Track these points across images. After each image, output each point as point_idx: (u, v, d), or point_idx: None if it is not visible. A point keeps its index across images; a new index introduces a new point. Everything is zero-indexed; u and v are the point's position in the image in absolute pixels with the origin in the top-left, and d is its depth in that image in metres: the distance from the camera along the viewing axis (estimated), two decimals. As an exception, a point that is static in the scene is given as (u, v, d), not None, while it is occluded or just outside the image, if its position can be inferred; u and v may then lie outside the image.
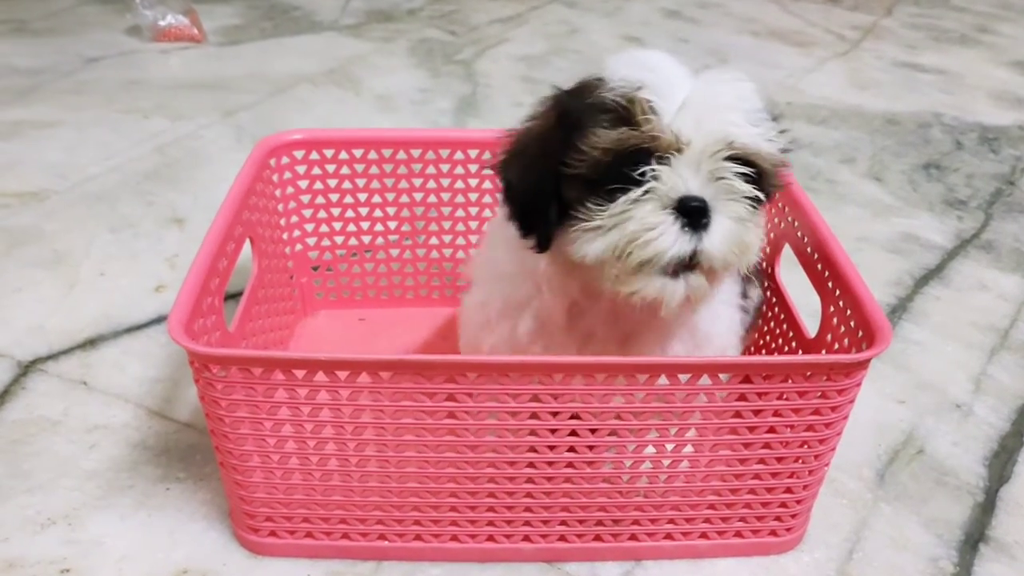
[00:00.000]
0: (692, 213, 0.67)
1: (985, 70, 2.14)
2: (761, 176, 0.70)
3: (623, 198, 0.67)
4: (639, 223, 0.67)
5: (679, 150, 0.67)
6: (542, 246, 0.73)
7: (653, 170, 0.67)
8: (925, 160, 1.68)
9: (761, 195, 0.70)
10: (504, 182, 0.76)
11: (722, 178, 0.68)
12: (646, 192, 0.67)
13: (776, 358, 0.83)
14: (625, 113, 0.66)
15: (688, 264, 0.69)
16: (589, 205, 0.68)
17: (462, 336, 0.90)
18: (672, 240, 0.67)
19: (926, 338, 1.18)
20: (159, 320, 1.17)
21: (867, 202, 1.52)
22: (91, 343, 1.13)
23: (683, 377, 0.74)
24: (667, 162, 0.67)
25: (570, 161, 0.68)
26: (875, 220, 1.47)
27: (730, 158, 0.68)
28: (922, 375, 1.12)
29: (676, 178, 0.67)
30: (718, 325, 0.83)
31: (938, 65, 2.16)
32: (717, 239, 0.68)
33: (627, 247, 0.67)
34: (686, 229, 0.67)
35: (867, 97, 1.96)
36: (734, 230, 0.69)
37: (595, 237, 0.69)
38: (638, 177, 0.67)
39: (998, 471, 0.99)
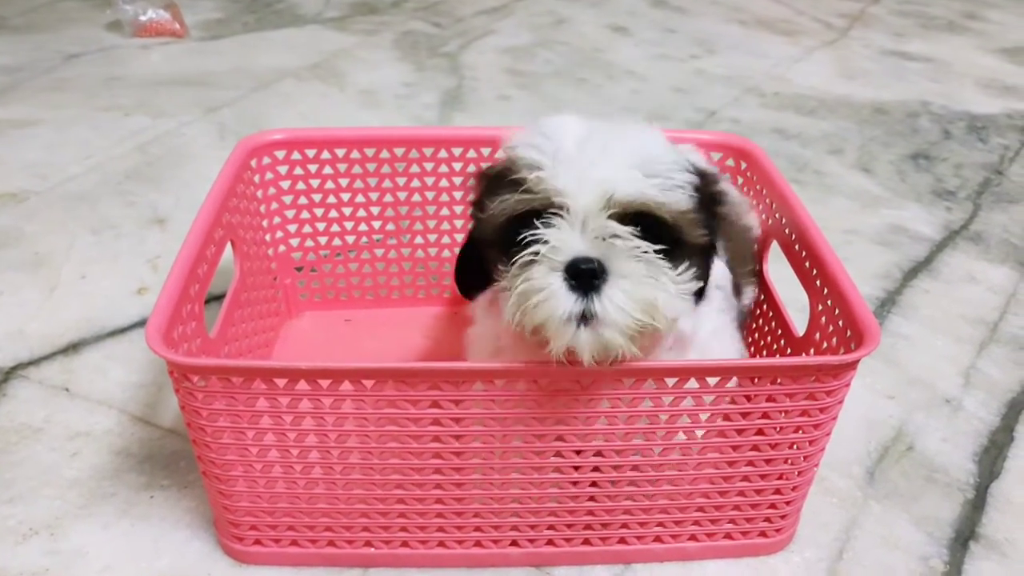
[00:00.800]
0: (580, 275, 0.65)
1: (973, 58, 2.13)
2: (664, 227, 0.68)
3: (516, 261, 0.67)
4: (528, 285, 0.66)
5: (564, 210, 0.66)
6: (463, 292, 0.81)
7: (536, 233, 0.66)
8: (913, 150, 1.67)
9: (664, 247, 0.68)
10: (457, 264, 0.82)
11: (615, 236, 0.66)
12: (535, 255, 0.66)
13: (763, 360, 0.82)
14: (514, 178, 0.67)
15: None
16: (499, 268, 0.70)
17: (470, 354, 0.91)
18: (562, 303, 0.65)
19: (915, 332, 1.18)
20: (142, 323, 1.15)
21: (855, 194, 1.52)
22: (73, 348, 1.11)
23: (670, 381, 0.73)
24: (554, 224, 0.66)
25: (480, 232, 0.72)
26: (864, 212, 1.46)
27: (622, 211, 0.66)
28: (911, 370, 1.11)
29: (563, 239, 0.66)
30: (715, 339, 0.82)
31: (926, 53, 2.15)
32: (611, 301, 0.65)
33: (523, 309, 0.67)
34: (577, 291, 0.65)
35: (855, 86, 1.95)
36: (633, 291, 0.66)
37: (504, 297, 0.69)
38: (530, 239, 0.66)
39: (988, 467, 0.98)
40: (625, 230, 0.66)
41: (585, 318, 0.66)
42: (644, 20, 2.32)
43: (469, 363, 0.74)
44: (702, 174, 0.73)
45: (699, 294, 0.73)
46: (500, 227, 0.69)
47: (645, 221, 0.67)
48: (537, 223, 0.66)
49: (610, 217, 0.66)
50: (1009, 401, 1.08)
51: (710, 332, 0.82)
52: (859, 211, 1.46)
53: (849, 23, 2.33)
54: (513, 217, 0.68)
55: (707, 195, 0.72)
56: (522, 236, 0.66)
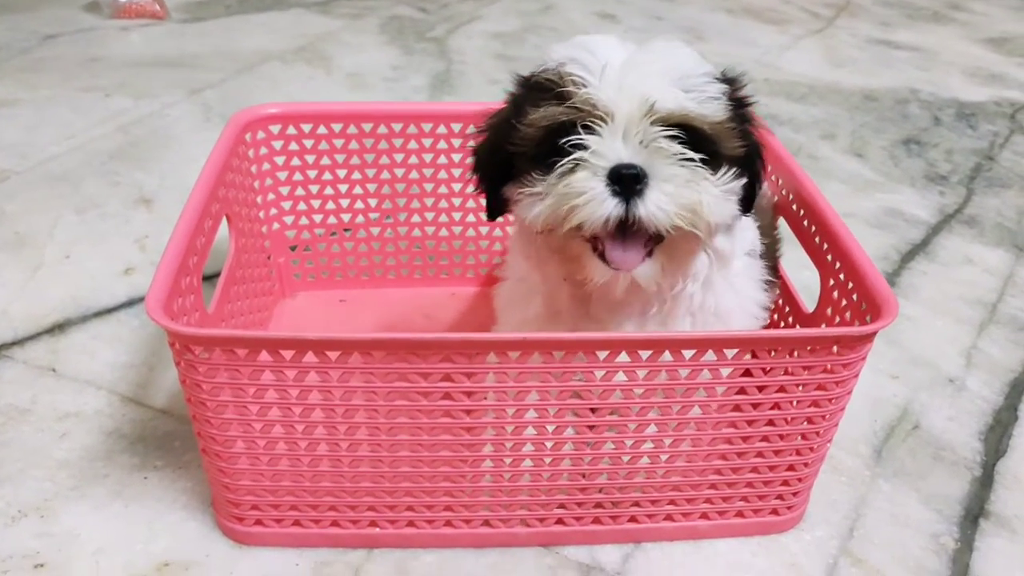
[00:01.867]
0: (624, 180, 0.66)
1: (959, 47, 2.14)
2: (703, 138, 0.69)
3: (557, 169, 0.68)
4: (569, 188, 0.67)
5: (606, 119, 0.67)
6: (489, 215, 0.80)
7: (581, 140, 0.67)
8: (905, 136, 1.67)
9: (704, 156, 0.69)
10: (475, 158, 0.80)
11: (655, 143, 0.67)
12: (577, 162, 0.67)
13: (781, 332, 0.81)
14: (555, 89, 0.69)
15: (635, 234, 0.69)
16: (532, 176, 0.70)
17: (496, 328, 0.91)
18: (603, 205, 0.67)
19: (916, 313, 1.17)
20: (129, 303, 1.12)
21: (849, 178, 1.51)
22: (59, 328, 1.08)
23: (687, 353, 0.71)
24: (597, 132, 0.67)
25: (514, 139, 0.71)
26: (858, 196, 1.46)
27: (663, 123, 0.68)
28: (914, 350, 1.11)
29: (605, 147, 0.67)
30: (736, 302, 0.81)
31: (912, 42, 2.15)
32: (653, 204, 0.67)
33: (561, 212, 0.68)
34: (619, 195, 0.67)
35: (844, 74, 1.95)
36: (675, 193, 0.67)
37: (535, 203, 0.70)
38: (569, 148, 0.68)
39: (994, 445, 0.98)
40: (666, 138, 0.67)
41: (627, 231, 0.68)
42: (632, 7, 2.30)
43: (482, 334, 0.71)
44: (730, 80, 0.74)
45: (745, 204, 0.75)
46: (540, 137, 0.69)
47: (685, 132, 0.68)
48: (580, 131, 0.67)
49: (652, 123, 0.67)
50: (1011, 381, 1.07)
51: (741, 269, 0.81)
52: (854, 195, 1.46)
53: (835, 12, 2.34)
54: (554, 127, 0.68)
55: (737, 100, 0.74)
56: (563, 143, 0.67)
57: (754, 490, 0.83)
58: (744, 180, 0.74)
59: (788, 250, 0.95)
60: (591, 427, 0.76)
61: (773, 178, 0.99)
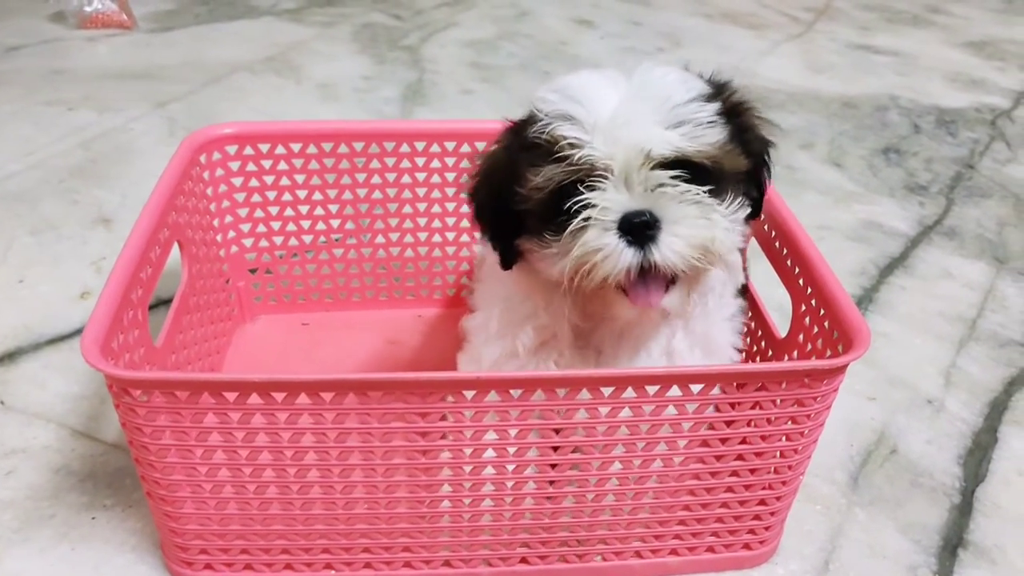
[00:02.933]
0: (635, 229, 0.66)
1: (939, 51, 2.12)
2: (705, 170, 0.69)
3: (569, 228, 0.68)
4: (584, 248, 0.67)
5: (607, 174, 0.67)
6: (505, 264, 0.76)
7: (587, 199, 0.67)
8: (884, 144, 1.65)
9: (710, 187, 0.69)
10: (474, 205, 0.78)
11: (659, 187, 0.67)
12: (586, 220, 0.67)
13: (749, 366, 0.78)
14: (551, 152, 0.68)
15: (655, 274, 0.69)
16: (544, 236, 0.70)
17: (463, 356, 0.89)
18: (621, 257, 0.67)
19: (894, 330, 1.15)
20: (83, 330, 1.08)
21: (828, 188, 1.49)
22: (9, 357, 1.04)
23: (651, 389, 0.68)
24: (600, 186, 0.67)
25: (518, 200, 0.70)
26: (836, 207, 1.43)
27: (663, 166, 0.67)
28: (891, 370, 1.08)
29: (611, 200, 0.67)
30: (724, 335, 0.80)
31: (892, 47, 2.13)
32: (668, 248, 0.67)
33: (583, 270, 0.68)
34: (633, 244, 0.67)
35: (823, 80, 1.92)
36: (688, 234, 0.67)
37: (554, 260, 0.70)
38: (577, 208, 0.67)
39: (973, 470, 0.95)
40: (669, 177, 0.67)
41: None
42: (609, 13, 2.27)
43: (436, 374, 0.68)
44: (719, 88, 0.73)
45: (755, 208, 0.76)
46: (545, 199, 0.69)
47: (686, 168, 0.68)
48: (582, 189, 0.67)
49: (652, 169, 0.67)
50: (991, 401, 1.05)
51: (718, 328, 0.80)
52: (832, 206, 1.43)
53: (815, 16, 2.31)
54: (557, 190, 0.68)
55: (731, 109, 0.72)
56: (569, 204, 0.67)
57: (725, 524, 0.80)
58: (752, 188, 0.75)
59: (762, 266, 0.92)
60: (553, 465, 0.72)
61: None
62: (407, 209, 1.07)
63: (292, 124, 1.04)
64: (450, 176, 1.05)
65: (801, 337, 0.83)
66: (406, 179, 1.05)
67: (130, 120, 1.59)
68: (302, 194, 1.05)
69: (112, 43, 1.94)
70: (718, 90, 0.73)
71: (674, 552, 0.81)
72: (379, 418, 0.68)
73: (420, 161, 1.04)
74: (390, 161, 1.04)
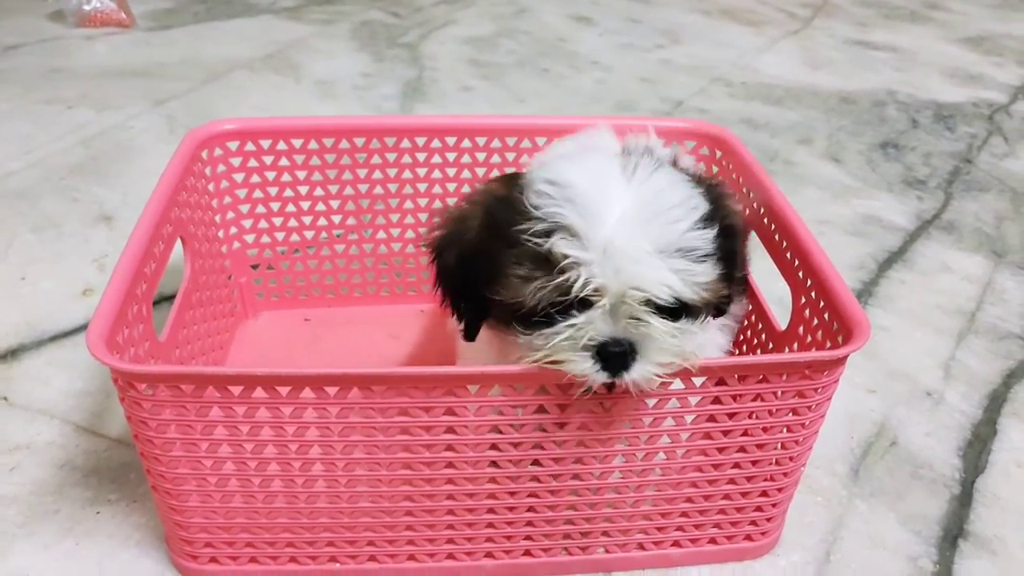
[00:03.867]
0: (611, 357, 0.65)
1: (937, 47, 2.12)
2: (690, 305, 0.67)
3: (545, 334, 0.65)
4: (556, 355, 0.65)
5: (596, 299, 0.64)
6: (468, 337, 0.74)
7: (571, 317, 0.65)
8: (882, 139, 1.65)
9: (692, 318, 0.68)
10: (437, 266, 0.75)
11: (645, 320, 0.65)
12: (566, 333, 0.65)
13: (750, 359, 0.78)
14: (543, 260, 0.64)
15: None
16: (515, 326, 0.67)
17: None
18: (592, 376, 0.65)
19: (893, 324, 1.15)
20: (87, 327, 1.07)
21: (826, 183, 1.49)
22: (12, 354, 1.04)
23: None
24: (585, 308, 0.65)
25: (494, 288, 0.67)
26: (835, 202, 1.44)
27: (654, 304, 0.65)
28: (891, 362, 1.08)
29: (595, 324, 0.64)
30: (713, 337, 0.81)
31: (890, 42, 2.14)
32: (641, 372, 0.65)
33: (552, 363, 0.66)
34: (606, 369, 0.65)
35: (821, 76, 1.93)
36: (664, 359, 0.66)
37: (520, 349, 0.67)
38: (557, 318, 0.65)
39: (973, 461, 0.96)
40: (656, 316, 0.65)
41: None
42: (607, 10, 2.28)
43: (437, 368, 0.68)
44: (715, 201, 0.70)
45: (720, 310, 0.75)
46: (528, 306, 0.65)
47: (675, 302, 0.66)
48: (568, 307, 0.65)
49: (641, 304, 0.64)
50: (990, 393, 1.05)
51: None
52: (831, 201, 1.44)
53: (812, 13, 2.32)
54: (543, 303, 0.65)
55: (725, 230, 0.69)
56: (552, 318, 0.65)
57: (727, 516, 0.80)
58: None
59: (762, 259, 0.92)
60: (556, 459, 0.73)
61: (744, 190, 0.97)
62: (408, 204, 1.08)
63: (293, 120, 1.04)
64: (451, 171, 1.06)
65: (801, 329, 0.84)
66: (407, 174, 1.06)
67: (129, 118, 1.60)
68: (303, 190, 1.05)
69: (111, 41, 1.94)
70: (714, 205, 0.69)
71: (676, 544, 0.82)
72: (383, 412, 0.68)
73: (421, 156, 1.05)
74: (391, 156, 1.05)
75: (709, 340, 0.79)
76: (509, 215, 0.66)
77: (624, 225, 0.63)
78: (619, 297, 0.64)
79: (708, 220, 0.67)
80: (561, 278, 0.63)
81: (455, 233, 0.73)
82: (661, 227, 0.64)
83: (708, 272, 0.66)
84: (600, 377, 0.65)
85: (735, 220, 0.73)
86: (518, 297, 0.65)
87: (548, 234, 0.63)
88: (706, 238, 0.66)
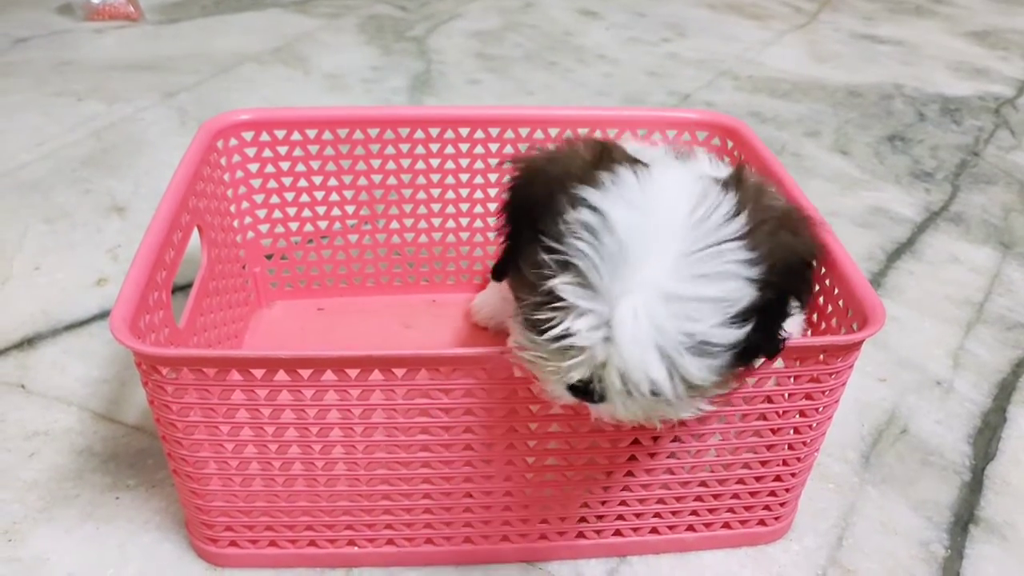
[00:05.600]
0: (580, 391, 0.61)
1: (943, 41, 2.13)
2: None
3: (531, 341, 0.61)
4: (535, 371, 0.63)
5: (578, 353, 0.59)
6: (495, 274, 0.70)
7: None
8: (889, 132, 1.66)
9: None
10: (506, 197, 0.69)
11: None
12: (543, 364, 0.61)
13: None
14: (548, 281, 0.58)
15: None
16: (523, 299, 0.62)
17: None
18: (563, 397, 0.63)
19: (902, 314, 1.16)
20: (102, 316, 1.09)
21: (834, 176, 1.50)
22: (28, 342, 1.05)
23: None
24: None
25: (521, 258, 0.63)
26: (843, 194, 1.44)
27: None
28: (901, 352, 1.09)
29: (570, 368, 0.59)
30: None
31: (896, 36, 2.14)
32: (608, 412, 0.62)
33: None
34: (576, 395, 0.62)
35: (827, 69, 1.94)
36: (630, 416, 0.62)
37: (515, 335, 0.64)
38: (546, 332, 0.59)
39: (983, 448, 0.97)
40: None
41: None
42: (613, 4, 2.28)
43: (458, 350, 0.69)
44: (777, 258, 0.60)
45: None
46: (526, 311, 0.61)
47: None
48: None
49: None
50: (999, 382, 1.06)
51: None
52: (839, 193, 1.45)
53: (818, 7, 2.32)
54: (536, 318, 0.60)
55: (778, 298, 0.62)
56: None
57: (741, 501, 0.81)
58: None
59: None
60: (571, 445, 0.74)
61: (757, 180, 0.97)
62: (421, 195, 1.08)
63: (308, 111, 1.05)
64: (464, 162, 1.06)
65: (815, 316, 0.85)
66: (420, 165, 1.06)
67: (139, 110, 1.60)
68: (317, 180, 1.06)
69: (120, 35, 1.95)
70: (774, 265, 0.60)
71: (690, 528, 0.83)
72: (403, 395, 0.69)
73: (434, 147, 1.05)
74: (405, 147, 1.05)
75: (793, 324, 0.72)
76: (548, 212, 0.61)
77: (645, 299, 0.56)
78: (602, 365, 0.58)
79: (745, 315, 0.58)
80: (556, 317, 0.58)
81: (525, 184, 0.67)
82: (686, 317, 0.56)
83: (721, 369, 0.59)
84: (568, 400, 0.62)
85: (806, 256, 0.65)
86: (519, 293, 0.63)
87: (563, 265, 0.58)
88: (737, 333, 0.58)
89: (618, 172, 0.60)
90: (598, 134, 1.04)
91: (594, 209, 0.58)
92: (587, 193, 0.59)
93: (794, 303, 0.65)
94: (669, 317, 0.56)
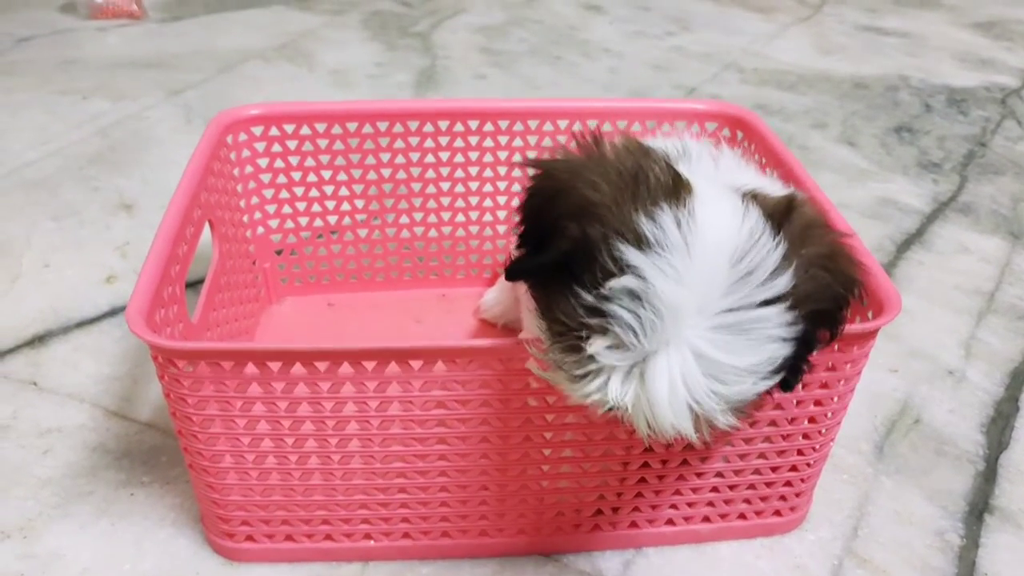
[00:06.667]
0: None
1: (948, 32, 2.12)
2: None
3: (555, 357, 0.60)
4: (562, 385, 0.61)
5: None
6: (509, 274, 0.65)
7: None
8: (896, 123, 1.66)
9: None
10: (524, 200, 0.66)
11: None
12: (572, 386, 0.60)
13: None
14: (579, 331, 0.57)
15: None
16: (551, 326, 0.60)
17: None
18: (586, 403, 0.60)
19: (913, 304, 1.16)
20: (112, 313, 1.09)
21: (842, 167, 1.49)
22: (39, 340, 1.05)
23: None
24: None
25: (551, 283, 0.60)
26: (851, 185, 1.44)
27: None
28: (912, 342, 1.09)
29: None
30: None
31: (901, 28, 2.14)
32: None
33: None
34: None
35: (833, 62, 1.93)
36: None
37: (539, 329, 0.62)
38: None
39: (996, 438, 0.97)
40: None
41: None
42: (617, -2, 2.28)
43: (474, 341, 0.69)
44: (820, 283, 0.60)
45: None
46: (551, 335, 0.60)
47: None
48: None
49: None
50: (1011, 371, 1.06)
51: None
52: (847, 185, 1.44)
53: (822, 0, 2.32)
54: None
55: (814, 320, 0.60)
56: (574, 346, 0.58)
57: (756, 491, 0.81)
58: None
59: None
60: (587, 436, 0.73)
61: (767, 171, 0.97)
62: (430, 189, 1.08)
63: (317, 105, 1.05)
64: (473, 155, 1.06)
65: (829, 306, 0.84)
66: (429, 158, 1.06)
67: (145, 108, 1.60)
68: (327, 175, 1.06)
69: (123, 33, 1.95)
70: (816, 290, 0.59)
71: (706, 519, 0.83)
72: (420, 387, 0.69)
73: (443, 140, 1.05)
74: (414, 141, 1.05)
75: None
76: (587, 262, 0.57)
77: (680, 363, 0.55)
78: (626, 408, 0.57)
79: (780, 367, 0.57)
80: (590, 371, 0.57)
81: (550, 195, 0.63)
82: (720, 382, 0.56)
83: (745, 409, 0.59)
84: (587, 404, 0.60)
85: (844, 291, 0.63)
86: (545, 316, 0.60)
87: (603, 329, 0.55)
88: (768, 385, 0.58)
89: (661, 223, 0.56)
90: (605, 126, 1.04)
91: (638, 276, 0.54)
92: (630, 255, 0.55)
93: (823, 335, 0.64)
94: (704, 380, 0.55)
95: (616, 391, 0.56)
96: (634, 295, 0.54)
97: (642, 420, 0.57)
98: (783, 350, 0.57)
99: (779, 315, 0.56)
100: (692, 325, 0.54)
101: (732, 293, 0.55)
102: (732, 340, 0.55)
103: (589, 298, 0.56)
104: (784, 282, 0.56)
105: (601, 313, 0.55)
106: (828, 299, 0.61)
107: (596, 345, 0.55)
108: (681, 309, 0.54)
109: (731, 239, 0.56)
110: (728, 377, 0.55)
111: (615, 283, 0.55)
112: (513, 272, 0.65)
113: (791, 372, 0.60)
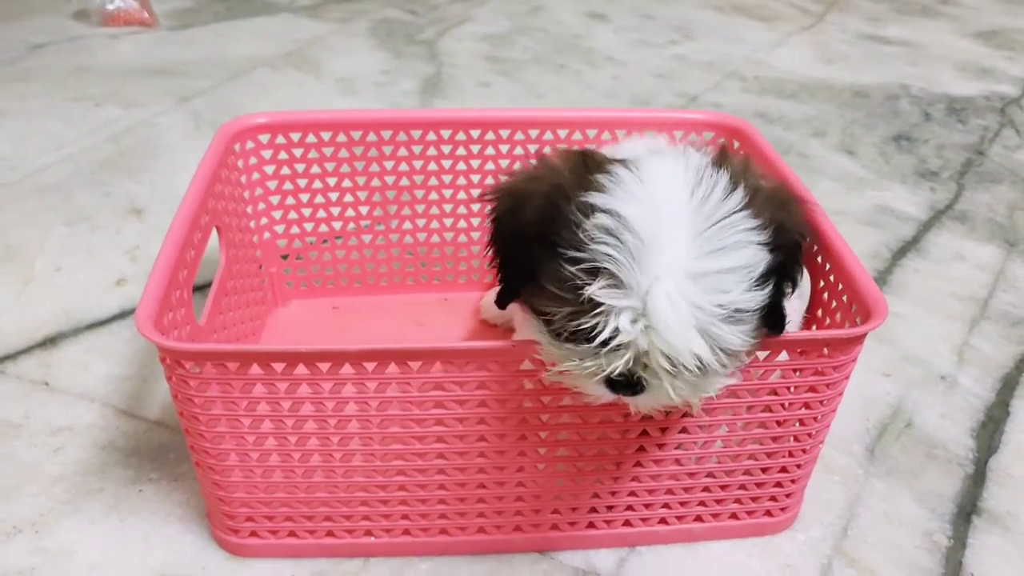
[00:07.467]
0: (621, 386, 0.64)
1: (949, 41, 2.14)
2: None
3: (563, 349, 0.64)
4: (571, 378, 0.66)
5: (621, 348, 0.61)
6: (500, 301, 0.72)
7: (592, 342, 0.61)
8: (895, 132, 1.68)
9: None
10: (492, 232, 0.72)
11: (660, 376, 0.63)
12: (581, 364, 0.64)
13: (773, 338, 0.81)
14: (579, 291, 0.60)
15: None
16: (541, 324, 0.66)
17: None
18: (602, 396, 0.66)
19: (907, 310, 1.18)
20: (122, 315, 1.12)
21: (840, 175, 1.51)
22: (51, 341, 1.07)
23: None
24: (608, 342, 0.61)
25: (530, 286, 0.66)
26: (849, 193, 1.46)
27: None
28: (905, 347, 1.11)
29: (611, 365, 0.62)
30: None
31: (902, 37, 2.16)
32: (646, 403, 0.66)
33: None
34: (619, 391, 0.65)
35: (834, 70, 1.95)
36: (670, 401, 0.65)
37: (542, 349, 0.67)
38: (579, 339, 0.63)
39: (986, 442, 0.98)
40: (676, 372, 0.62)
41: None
42: (621, 6, 2.30)
43: (471, 343, 0.71)
44: (780, 215, 0.66)
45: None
46: (556, 326, 0.64)
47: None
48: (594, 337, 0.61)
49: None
50: (1003, 377, 1.08)
51: None
52: (845, 193, 1.46)
53: (825, 8, 2.34)
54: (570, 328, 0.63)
55: (787, 251, 0.66)
56: (575, 336, 0.63)
57: (747, 492, 0.83)
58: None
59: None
60: (582, 436, 0.76)
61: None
62: (433, 196, 1.11)
63: (322, 113, 1.07)
64: (475, 163, 1.09)
65: (819, 312, 0.86)
66: (432, 166, 1.09)
67: (156, 115, 1.63)
68: (332, 181, 1.08)
69: (135, 40, 1.98)
70: (779, 222, 0.65)
71: (698, 519, 0.85)
72: (419, 387, 0.71)
73: (446, 149, 1.08)
74: (417, 149, 1.08)
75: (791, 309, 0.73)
76: (562, 227, 0.62)
77: (674, 283, 0.59)
78: (645, 353, 0.61)
79: (764, 278, 0.63)
80: (592, 321, 0.60)
81: (513, 210, 0.69)
82: (715, 290, 0.60)
83: (752, 333, 0.63)
84: (609, 397, 0.65)
85: (797, 235, 0.69)
86: (547, 309, 0.64)
87: (592, 272, 0.60)
88: (761, 296, 0.62)
89: (613, 172, 0.63)
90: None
91: (608, 212, 0.60)
92: (595, 198, 0.61)
93: (788, 285, 0.68)
94: (701, 293, 0.59)
95: (627, 328, 0.59)
96: (610, 231, 0.60)
97: (658, 356, 0.60)
98: (762, 253, 0.62)
99: (745, 219, 0.62)
100: (673, 248, 0.59)
101: (697, 214, 0.61)
102: (712, 250, 0.60)
103: (573, 252, 0.60)
104: (739, 196, 0.62)
105: (589, 259, 0.60)
106: (787, 237, 0.66)
107: (595, 287, 0.59)
108: (657, 232, 0.59)
109: (681, 175, 0.63)
110: (721, 283, 0.60)
111: (589, 224, 0.60)
112: (503, 297, 0.71)
113: (774, 313, 0.66)
